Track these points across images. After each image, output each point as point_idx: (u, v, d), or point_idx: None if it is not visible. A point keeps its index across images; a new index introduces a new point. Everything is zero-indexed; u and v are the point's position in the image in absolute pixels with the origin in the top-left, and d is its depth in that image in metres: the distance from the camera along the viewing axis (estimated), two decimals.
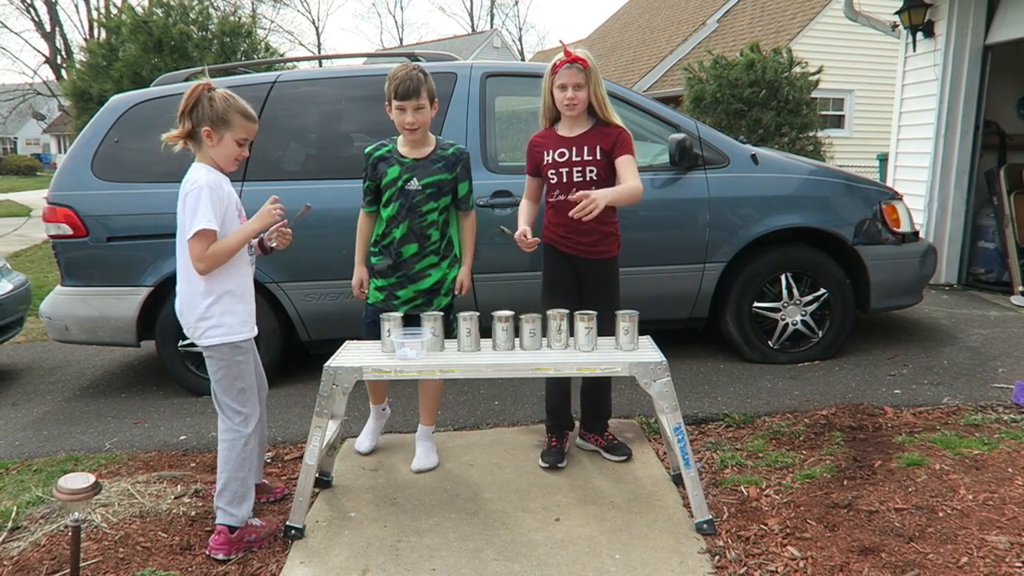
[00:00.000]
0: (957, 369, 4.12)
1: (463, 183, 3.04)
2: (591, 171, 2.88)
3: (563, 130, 2.93)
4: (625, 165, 2.87)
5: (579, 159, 2.88)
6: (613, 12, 25.25)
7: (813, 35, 13.69)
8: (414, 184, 2.95)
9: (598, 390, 3.17)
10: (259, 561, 2.48)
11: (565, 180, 2.91)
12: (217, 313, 2.47)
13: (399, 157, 2.98)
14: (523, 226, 2.94)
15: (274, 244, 2.63)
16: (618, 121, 2.90)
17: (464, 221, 3.11)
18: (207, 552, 2.50)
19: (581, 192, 2.69)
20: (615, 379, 2.83)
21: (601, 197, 2.67)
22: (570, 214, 2.67)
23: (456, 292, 3.11)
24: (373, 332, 2.95)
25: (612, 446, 3.15)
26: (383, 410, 3.37)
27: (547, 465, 3.07)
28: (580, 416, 3.28)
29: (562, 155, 2.89)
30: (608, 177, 2.90)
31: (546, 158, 2.92)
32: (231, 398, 2.52)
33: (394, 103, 2.88)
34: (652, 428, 3.46)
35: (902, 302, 4.66)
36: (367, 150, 3.06)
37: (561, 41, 2.89)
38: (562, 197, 2.90)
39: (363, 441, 3.32)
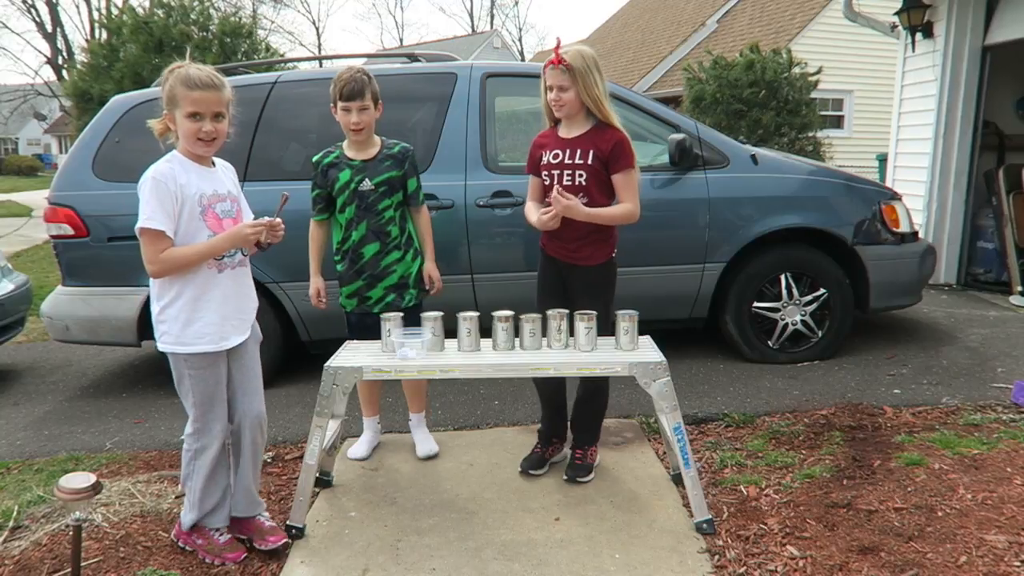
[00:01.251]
0: (956, 369, 4.13)
1: (412, 179, 3.11)
2: (580, 175, 2.79)
3: (563, 131, 2.88)
4: (622, 184, 2.79)
5: (570, 162, 2.81)
6: (613, 12, 25.29)
7: (813, 35, 13.70)
8: (367, 184, 3.00)
9: (585, 402, 3.01)
10: (259, 561, 2.49)
11: (556, 182, 2.84)
12: (168, 319, 2.30)
13: (348, 161, 3.03)
14: (535, 216, 2.84)
15: (267, 240, 2.41)
16: (616, 122, 2.80)
17: (417, 216, 3.17)
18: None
19: (558, 192, 2.69)
20: (615, 379, 2.82)
21: (579, 211, 2.70)
22: (547, 198, 2.75)
23: (428, 288, 3.16)
24: (362, 336, 3.01)
25: (572, 462, 2.99)
26: (377, 423, 3.35)
27: (520, 470, 3.03)
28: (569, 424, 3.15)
29: (556, 157, 2.84)
30: (599, 184, 2.80)
31: (543, 159, 2.89)
32: (187, 407, 2.43)
33: (339, 104, 2.94)
34: (652, 428, 3.47)
35: (901, 302, 4.66)
36: (315, 159, 3.09)
37: (557, 39, 2.84)
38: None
39: (359, 449, 3.26)
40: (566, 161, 2.82)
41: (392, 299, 3.08)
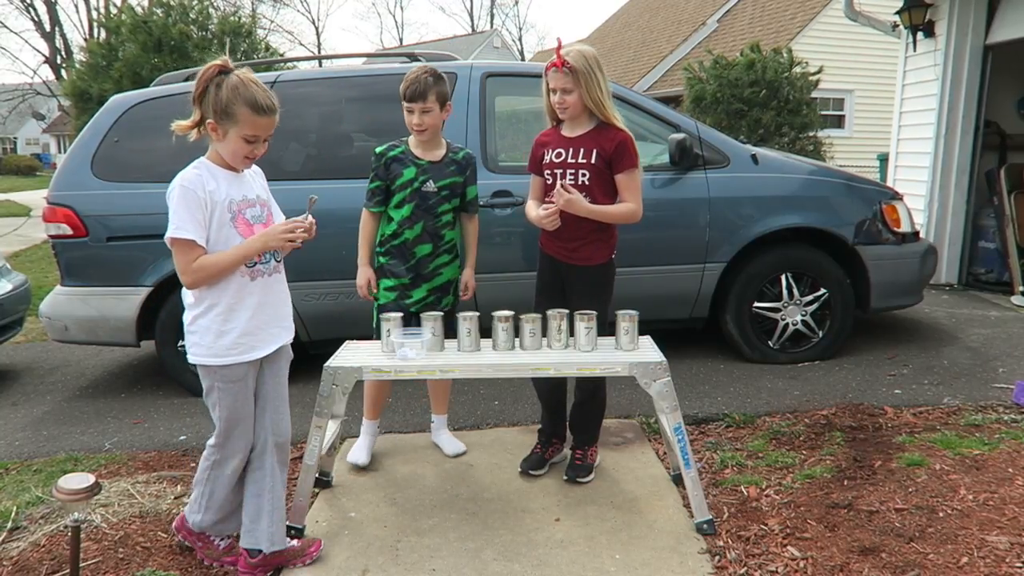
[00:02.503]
0: (957, 369, 4.12)
1: (471, 186, 3.10)
2: (583, 174, 2.78)
3: (566, 130, 2.86)
4: (625, 183, 2.78)
5: (573, 161, 2.79)
6: (613, 12, 25.26)
7: (813, 35, 13.69)
8: (431, 186, 2.97)
9: (582, 403, 3.00)
10: None
11: (558, 181, 2.81)
12: (200, 329, 2.21)
13: (414, 159, 2.99)
14: (536, 214, 2.83)
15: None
16: (619, 122, 2.78)
17: (468, 224, 3.16)
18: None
19: (562, 186, 2.69)
20: (615, 379, 2.81)
21: (580, 206, 2.68)
22: (549, 196, 2.74)
23: (462, 294, 3.16)
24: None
25: (572, 463, 2.98)
26: (375, 426, 3.27)
27: (520, 470, 3.03)
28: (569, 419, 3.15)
29: (559, 155, 2.82)
30: (601, 183, 2.78)
31: (546, 157, 2.87)
32: (214, 418, 2.30)
33: (404, 104, 2.91)
34: (652, 428, 3.46)
35: (902, 302, 4.66)
36: (378, 150, 3.02)
37: (558, 39, 2.81)
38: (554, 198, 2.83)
39: (359, 455, 3.16)
40: (569, 160, 2.80)
41: (432, 300, 3.05)
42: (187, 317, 2.24)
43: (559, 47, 2.72)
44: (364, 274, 3.07)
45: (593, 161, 2.76)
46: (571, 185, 2.76)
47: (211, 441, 2.36)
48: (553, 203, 2.72)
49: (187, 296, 2.24)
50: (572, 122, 2.83)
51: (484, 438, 3.46)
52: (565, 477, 2.95)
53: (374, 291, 3.08)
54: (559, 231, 2.79)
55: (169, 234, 2.11)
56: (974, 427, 3.26)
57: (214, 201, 2.15)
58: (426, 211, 2.98)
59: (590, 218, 2.75)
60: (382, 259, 3.07)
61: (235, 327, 2.21)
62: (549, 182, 2.85)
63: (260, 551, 2.33)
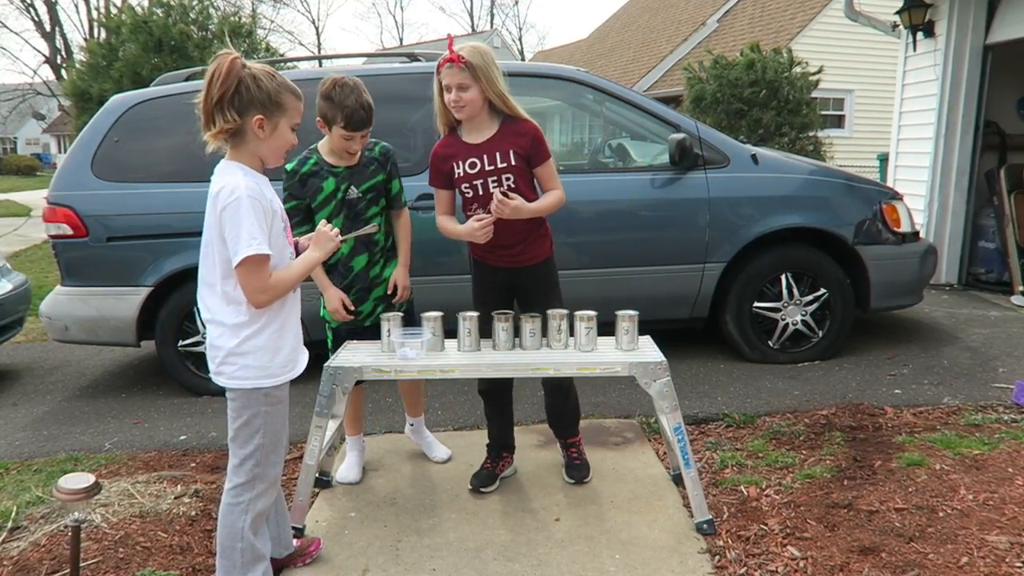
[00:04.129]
0: (957, 369, 4.12)
1: (395, 180, 2.92)
2: (507, 178, 2.63)
3: (469, 136, 2.66)
4: (547, 173, 2.69)
5: (492, 167, 2.62)
6: (613, 12, 25.25)
7: (813, 35, 13.70)
8: (353, 192, 2.80)
9: (555, 387, 2.92)
10: None
11: (481, 193, 2.66)
12: (253, 349, 2.00)
13: (330, 168, 2.80)
14: (466, 225, 2.63)
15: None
16: (525, 115, 2.65)
17: (398, 220, 2.97)
18: None
19: (500, 199, 2.53)
20: (615, 379, 2.81)
21: (525, 209, 2.58)
22: (490, 207, 2.56)
23: (398, 297, 2.95)
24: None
25: (571, 465, 2.97)
26: (361, 441, 3.17)
27: (471, 487, 2.89)
28: (547, 420, 3.11)
29: (473, 166, 2.63)
30: (525, 181, 2.69)
31: (456, 170, 2.66)
32: (241, 455, 2.06)
33: (342, 131, 2.69)
34: (652, 428, 3.46)
35: (902, 302, 4.66)
36: (290, 167, 2.81)
37: (449, 35, 2.63)
38: (480, 211, 2.66)
39: (350, 473, 3.04)
40: (487, 168, 2.63)
41: (382, 309, 2.90)
42: (231, 342, 1.99)
43: (451, 43, 2.53)
44: (334, 296, 2.83)
45: (514, 162, 2.63)
46: (499, 191, 2.60)
47: (238, 480, 2.07)
48: (482, 215, 2.59)
49: (234, 315, 1.98)
50: (472, 124, 2.65)
51: (484, 438, 3.46)
52: (571, 480, 2.94)
53: (351, 307, 2.86)
54: (499, 240, 2.65)
55: (247, 252, 1.87)
56: (974, 427, 3.26)
57: (272, 210, 1.98)
58: (354, 219, 2.79)
59: (531, 216, 2.64)
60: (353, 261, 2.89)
61: (287, 343, 2.07)
62: (469, 195, 2.70)
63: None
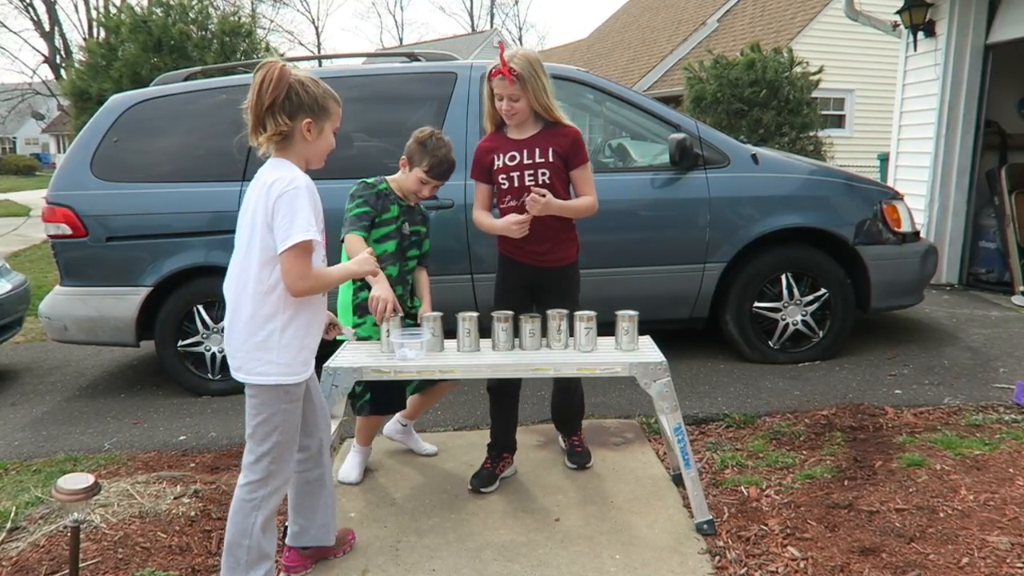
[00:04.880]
0: (958, 369, 4.12)
1: (427, 240, 3.08)
2: (543, 173, 2.76)
3: (513, 133, 2.81)
4: (582, 177, 2.82)
5: (531, 162, 2.76)
6: (613, 12, 25.24)
7: (813, 35, 13.69)
8: (407, 228, 2.96)
9: (563, 388, 3.06)
10: None
11: (516, 184, 2.78)
12: (277, 346, 2.01)
13: (397, 199, 2.96)
14: (503, 220, 2.75)
15: None
16: (568, 121, 2.80)
17: (421, 275, 3.08)
18: None
19: (536, 190, 2.66)
20: (615, 379, 2.81)
21: (554, 205, 2.68)
22: (503, 202, 2.74)
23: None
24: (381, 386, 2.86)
25: (573, 452, 3.07)
26: (369, 449, 3.13)
27: (471, 488, 2.91)
28: (552, 417, 3.22)
29: (512, 159, 2.77)
30: (560, 180, 2.79)
31: (496, 162, 2.80)
32: (258, 452, 2.08)
33: (423, 175, 2.87)
34: (652, 428, 3.46)
35: (903, 302, 4.65)
36: (370, 180, 2.97)
37: (500, 43, 2.77)
38: (513, 203, 2.79)
39: (351, 473, 3.04)
40: (526, 161, 2.76)
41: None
42: (257, 335, 2.01)
43: (502, 51, 2.66)
44: (387, 289, 2.69)
45: (551, 159, 2.76)
46: (532, 185, 2.74)
47: (252, 477, 2.09)
48: (518, 210, 2.72)
49: (261, 308, 2.01)
50: (520, 126, 2.80)
51: (484, 438, 3.45)
52: (573, 465, 3.02)
53: (399, 310, 2.72)
54: (528, 236, 2.75)
55: (302, 236, 1.92)
56: (975, 427, 3.26)
57: (319, 209, 2.05)
58: (402, 253, 2.95)
59: (559, 215, 2.74)
60: (363, 294, 2.90)
61: (310, 342, 2.11)
62: (504, 187, 2.81)
63: (312, 545, 2.36)
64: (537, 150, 2.76)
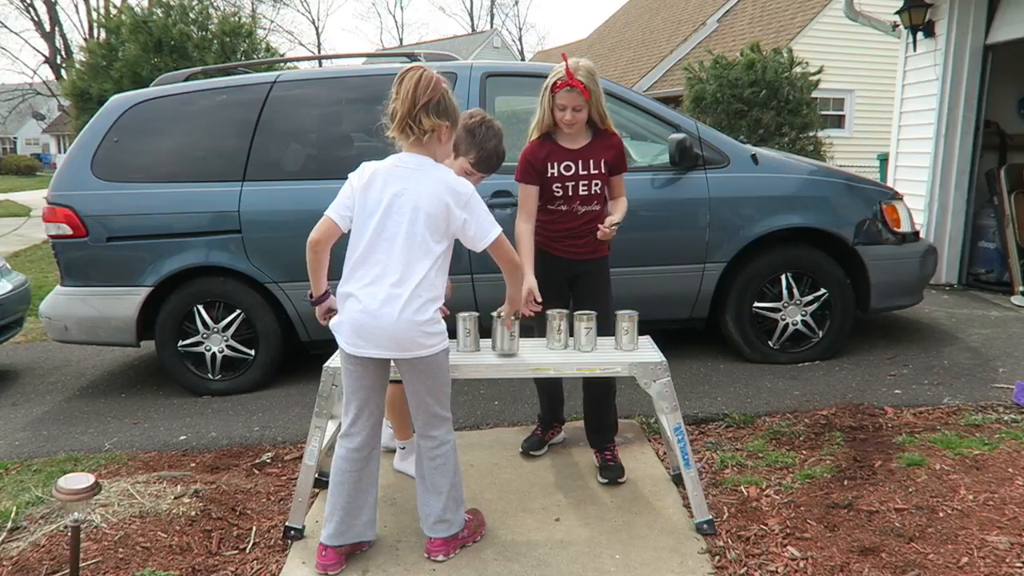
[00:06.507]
0: (957, 369, 4.12)
1: None
2: (596, 184, 2.89)
3: (565, 141, 2.88)
4: (619, 182, 2.98)
5: (586, 173, 2.87)
6: (613, 12, 25.25)
7: (813, 35, 13.69)
8: None
9: (598, 400, 3.05)
10: (259, 562, 2.48)
11: (571, 194, 2.89)
12: (439, 318, 2.31)
13: None
14: (528, 282, 2.70)
15: None
16: (613, 128, 2.92)
17: None
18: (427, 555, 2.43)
19: (605, 229, 2.81)
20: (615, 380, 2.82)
21: (619, 223, 2.88)
22: (599, 236, 2.83)
23: None
24: None
25: (606, 466, 2.98)
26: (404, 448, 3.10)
27: (522, 450, 3.19)
28: (585, 427, 3.16)
29: (568, 168, 2.87)
30: (606, 186, 2.94)
31: (551, 170, 2.87)
32: (442, 405, 2.38)
33: (468, 166, 2.78)
34: (652, 428, 3.46)
35: (902, 302, 4.65)
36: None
37: (564, 55, 2.80)
38: (564, 207, 2.90)
39: (407, 465, 3.03)
40: (580, 172, 2.87)
41: None
42: (429, 310, 2.26)
43: (566, 61, 2.73)
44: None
45: (603, 170, 2.89)
46: (585, 195, 2.88)
47: (440, 430, 2.39)
48: (566, 214, 2.89)
49: (432, 286, 2.26)
50: (574, 135, 2.88)
51: (484, 438, 3.46)
52: (604, 480, 2.92)
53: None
54: (574, 232, 2.90)
55: (497, 232, 2.28)
56: (974, 427, 3.26)
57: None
58: None
59: (601, 215, 2.90)
60: None
61: None
62: (559, 195, 2.90)
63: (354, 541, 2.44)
64: (591, 161, 2.87)
